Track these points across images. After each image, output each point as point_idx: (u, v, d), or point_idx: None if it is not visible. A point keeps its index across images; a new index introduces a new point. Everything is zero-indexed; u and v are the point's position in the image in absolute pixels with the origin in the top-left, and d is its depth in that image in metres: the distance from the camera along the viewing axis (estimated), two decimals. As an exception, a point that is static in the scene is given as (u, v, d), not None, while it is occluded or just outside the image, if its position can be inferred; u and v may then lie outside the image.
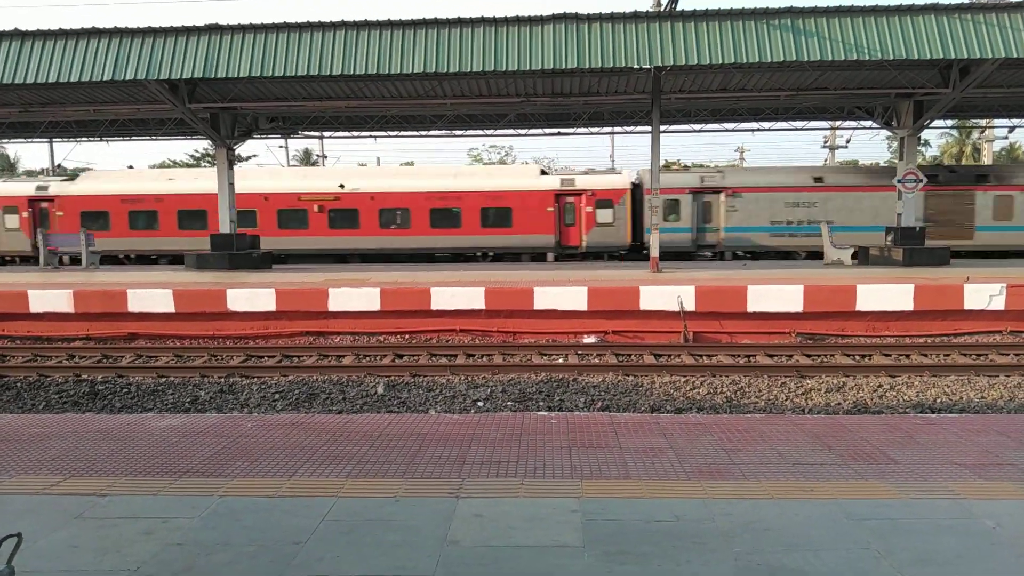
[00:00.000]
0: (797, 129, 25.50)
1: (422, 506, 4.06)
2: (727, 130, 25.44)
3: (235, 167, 22.43)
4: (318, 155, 49.39)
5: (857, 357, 12.43)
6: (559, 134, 25.95)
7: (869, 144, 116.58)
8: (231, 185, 21.42)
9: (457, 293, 14.18)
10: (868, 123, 23.44)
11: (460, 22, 16.08)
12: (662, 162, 19.52)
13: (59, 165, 41.08)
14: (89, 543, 3.64)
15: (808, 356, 12.47)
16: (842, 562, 3.36)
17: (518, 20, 16.03)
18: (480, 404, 10.05)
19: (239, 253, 21.26)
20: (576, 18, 15.98)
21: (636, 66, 16.02)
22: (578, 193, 25.70)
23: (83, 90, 19.57)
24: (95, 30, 16.79)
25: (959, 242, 24.14)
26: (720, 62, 15.76)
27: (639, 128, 25.25)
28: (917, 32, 15.49)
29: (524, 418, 5.92)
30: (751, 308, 13.85)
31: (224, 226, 21.37)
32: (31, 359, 12.97)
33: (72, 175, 31.65)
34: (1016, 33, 15.31)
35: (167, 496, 4.25)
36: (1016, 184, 25.30)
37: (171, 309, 14.42)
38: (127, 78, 16.77)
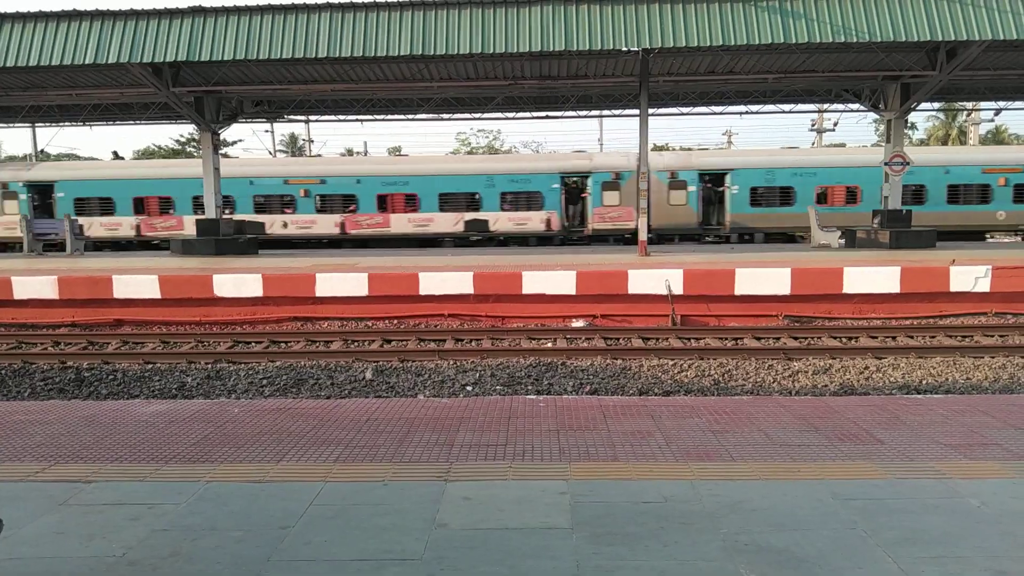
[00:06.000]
0: (785, 112, 25.42)
1: (410, 490, 4.05)
2: (715, 113, 25.42)
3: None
4: (304, 139, 48.99)
5: (844, 339, 12.51)
6: (547, 117, 25.85)
7: (856, 127, 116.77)
8: (216, 170, 21.23)
9: (446, 278, 14.14)
10: (856, 106, 23.44)
11: (447, 4, 15.94)
12: (651, 146, 19.46)
13: (42, 151, 40.58)
14: (75, 529, 3.61)
15: (795, 339, 12.53)
16: (829, 541, 3.37)
17: (505, 2, 15.90)
18: (469, 388, 10.04)
19: (225, 238, 21.12)
20: (564, 0, 15.86)
21: (624, 48, 15.96)
22: None
23: (65, 74, 19.29)
24: (76, 12, 16.55)
25: None
26: (708, 44, 15.71)
27: (627, 111, 25.16)
28: (904, 14, 15.48)
29: (513, 402, 5.92)
30: (739, 291, 13.89)
31: (209, 211, 21.21)
32: (15, 346, 12.86)
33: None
34: (1002, 15, 15.33)
35: (153, 482, 4.22)
36: None
37: (157, 295, 14.32)
38: (110, 61, 16.57)
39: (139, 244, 27.49)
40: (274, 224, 26.81)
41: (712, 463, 4.41)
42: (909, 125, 46.57)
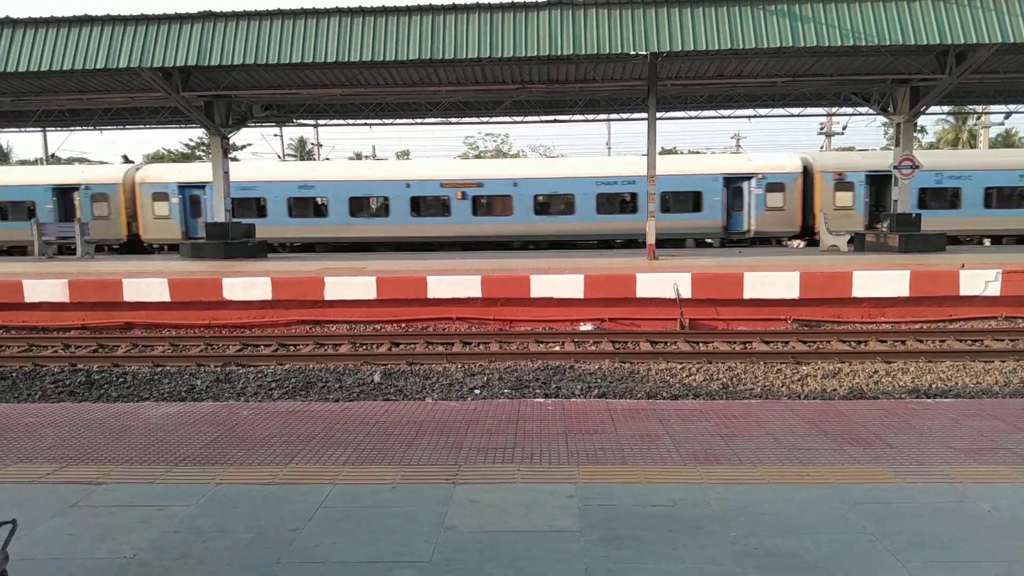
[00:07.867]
0: (794, 115, 25.38)
1: (419, 492, 4.07)
2: (724, 117, 25.31)
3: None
4: (312, 143, 49.16)
5: (853, 343, 12.46)
6: (555, 121, 25.81)
7: (866, 130, 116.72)
8: (226, 174, 21.34)
9: (454, 281, 14.16)
10: (865, 109, 23.34)
11: (455, 8, 15.97)
12: (658, 149, 19.46)
13: (53, 155, 40.79)
14: (85, 531, 3.64)
15: (804, 342, 12.49)
16: (838, 545, 3.37)
17: (514, 6, 15.92)
18: (477, 391, 10.05)
19: (234, 242, 21.20)
20: (572, 4, 15.86)
21: (632, 52, 15.95)
22: None
23: (76, 78, 19.43)
24: (87, 17, 16.65)
25: None
26: (716, 48, 15.68)
27: (636, 115, 25.13)
28: (914, 17, 15.43)
29: (521, 405, 5.92)
30: (747, 295, 13.85)
31: (219, 215, 21.31)
32: (27, 349, 12.94)
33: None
34: (1013, 18, 15.25)
35: (163, 484, 4.25)
36: None
37: (167, 298, 14.39)
38: (120, 66, 16.65)
39: None
40: None
41: (721, 467, 4.40)
42: (919, 128, 46.42)
